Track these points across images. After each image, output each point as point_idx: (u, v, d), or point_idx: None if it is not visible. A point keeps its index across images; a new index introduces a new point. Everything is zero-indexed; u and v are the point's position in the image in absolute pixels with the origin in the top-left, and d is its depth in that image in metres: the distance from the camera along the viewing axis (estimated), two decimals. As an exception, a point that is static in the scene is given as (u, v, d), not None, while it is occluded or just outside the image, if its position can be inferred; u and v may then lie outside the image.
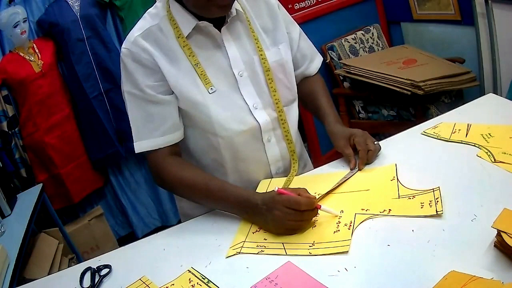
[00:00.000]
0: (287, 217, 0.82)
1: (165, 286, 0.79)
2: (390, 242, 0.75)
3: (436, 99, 2.22)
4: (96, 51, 2.27)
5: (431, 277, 0.64)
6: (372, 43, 2.67)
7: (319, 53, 1.21)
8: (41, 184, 2.09)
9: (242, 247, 0.84)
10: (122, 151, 2.42)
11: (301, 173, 1.10)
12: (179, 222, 1.06)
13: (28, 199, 1.95)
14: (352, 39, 2.60)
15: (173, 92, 0.97)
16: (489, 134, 0.99)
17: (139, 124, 0.99)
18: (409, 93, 2.07)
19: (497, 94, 1.96)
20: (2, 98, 2.17)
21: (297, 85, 1.11)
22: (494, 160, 0.90)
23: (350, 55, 2.57)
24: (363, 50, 2.63)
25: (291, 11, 2.47)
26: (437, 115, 1.18)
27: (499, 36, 2.17)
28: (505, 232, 0.64)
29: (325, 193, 0.93)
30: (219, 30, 0.98)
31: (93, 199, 2.57)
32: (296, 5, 2.54)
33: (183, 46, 0.96)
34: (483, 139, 0.98)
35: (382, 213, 0.83)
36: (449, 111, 1.19)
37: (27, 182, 2.25)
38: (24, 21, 2.09)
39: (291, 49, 1.10)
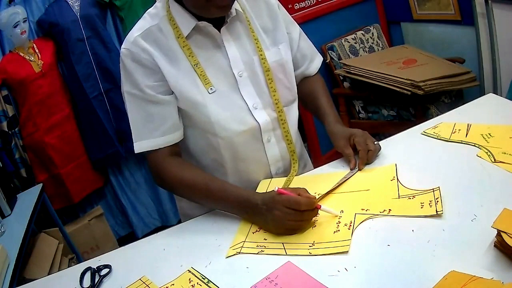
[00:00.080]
0: (287, 217, 0.83)
1: (165, 286, 0.79)
2: (390, 242, 0.75)
3: (436, 99, 2.22)
4: (96, 51, 2.27)
5: (431, 277, 0.64)
6: (372, 43, 2.67)
7: (319, 53, 1.21)
8: (41, 184, 2.09)
9: (242, 247, 0.84)
10: (122, 151, 2.42)
11: (301, 173, 1.10)
12: (179, 222, 1.06)
13: (28, 199, 1.95)
14: (352, 39, 2.60)
15: (172, 92, 0.97)
16: (489, 134, 0.99)
17: (139, 124, 0.99)
18: (409, 93, 2.07)
19: (497, 94, 1.96)
20: (2, 98, 2.17)
21: (297, 85, 1.11)
22: (494, 160, 0.90)
23: (350, 55, 2.57)
24: (363, 50, 2.63)
25: (291, 11, 2.47)
26: (437, 115, 1.18)
27: (499, 36, 2.17)
28: (505, 232, 0.64)
29: (325, 193, 0.93)
30: (219, 30, 0.98)
31: (93, 199, 2.57)
32: (296, 5, 2.54)
33: (183, 46, 0.96)
34: (483, 139, 0.98)
35: (382, 213, 0.83)
36: (449, 111, 1.19)
37: (27, 182, 2.25)
38: (24, 21, 2.09)
39: (291, 49, 1.10)
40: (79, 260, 2.16)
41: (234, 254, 0.83)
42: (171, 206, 2.62)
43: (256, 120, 1.01)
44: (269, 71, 1.02)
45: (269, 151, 1.05)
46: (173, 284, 0.79)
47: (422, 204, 0.82)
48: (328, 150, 2.56)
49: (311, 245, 0.80)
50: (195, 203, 1.02)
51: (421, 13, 2.58)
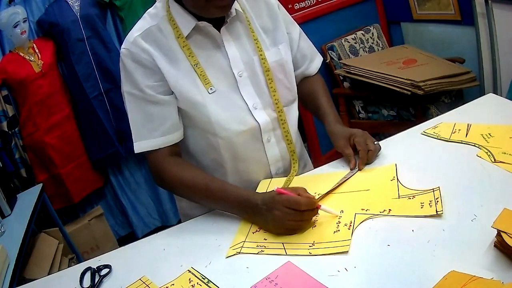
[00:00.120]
0: (287, 217, 0.82)
1: (165, 286, 0.79)
2: (390, 242, 0.75)
3: (436, 99, 2.22)
4: (96, 51, 2.27)
5: (431, 277, 0.64)
6: (372, 43, 2.67)
7: (319, 53, 1.21)
8: (41, 184, 2.09)
9: (242, 247, 0.84)
10: (122, 151, 2.42)
11: (301, 173, 1.10)
12: (179, 222, 1.06)
13: (28, 199, 1.95)
14: (352, 39, 2.60)
15: (172, 92, 0.97)
16: (489, 134, 0.99)
17: (139, 124, 0.99)
18: (409, 93, 2.07)
19: (497, 94, 1.96)
20: (2, 98, 2.17)
21: (297, 85, 1.11)
22: (494, 160, 0.90)
23: (350, 55, 2.57)
24: (363, 50, 2.63)
25: (291, 11, 2.47)
26: (437, 115, 1.18)
27: (499, 36, 2.17)
28: (505, 232, 0.64)
29: (325, 193, 0.93)
30: (219, 30, 0.98)
31: (93, 199, 2.57)
32: (296, 5, 2.54)
33: (183, 46, 0.96)
34: (483, 139, 0.98)
35: (382, 213, 0.83)
36: (449, 111, 1.19)
37: (27, 182, 2.25)
38: (24, 21, 2.09)
39: (291, 49, 1.10)
40: (79, 260, 2.16)
41: (234, 254, 0.83)
42: (171, 206, 2.62)
43: (256, 120, 1.01)
44: (269, 71, 1.02)
45: (269, 151, 1.05)
46: (173, 284, 0.79)
47: (422, 204, 0.82)
48: (328, 150, 2.56)
49: (311, 245, 0.80)
50: (195, 203, 1.02)
51: (421, 13, 2.58)
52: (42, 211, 2.03)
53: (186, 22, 0.96)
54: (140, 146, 0.99)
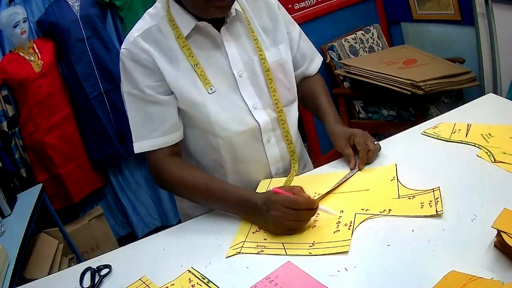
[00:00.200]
0: (286, 216, 0.82)
1: (165, 286, 0.79)
2: (390, 242, 0.75)
3: (436, 99, 2.22)
4: (96, 51, 2.27)
5: (431, 277, 0.64)
6: (372, 43, 2.67)
7: (319, 53, 1.21)
8: (41, 184, 2.09)
9: (242, 247, 0.84)
10: (122, 151, 2.42)
11: (301, 173, 1.10)
12: (179, 222, 1.06)
13: (28, 199, 1.95)
14: (352, 39, 2.60)
15: (172, 93, 0.97)
16: (489, 134, 0.99)
17: (139, 124, 0.99)
18: (409, 93, 2.07)
19: (497, 94, 1.96)
20: (2, 98, 2.17)
21: (297, 85, 1.11)
22: (494, 160, 0.90)
23: (350, 55, 2.57)
24: (363, 50, 2.63)
25: (291, 11, 2.47)
26: (437, 115, 1.18)
27: (499, 36, 2.17)
28: (505, 232, 0.64)
29: (325, 193, 0.93)
30: (219, 31, 0.98)
31: (93, 199, 2.57)
32: (296, 5, 2.54)
33: (183, 47, 0.96)
34: (483, 139, 0.98)
35: (382, 213, 0.83)
36: (449, 111, 1.19)
37: (27, 182, 2.25)
38: (24, 21, 2.09)
39: (291, 49, 1.10)
40: (79, 260, 2.16)
41: (234, 254, 0.83)
42: (171, 206, 2.62)
43: (256, 120, 1.01)
44: (269, 71, 1.02)
45: (269, 151, 1.05)
46: (173, 284, 0.79)
47: (422, 204, 0.82)
48: (328, 150, 2.56)
49: (311, 245, 0.80)
50: (195, 203, 1.02)
51: (421, 13, 2.58)
52: (42, 211, 2.03)
53: (186, 22, 0.96)
54: (140, 146, 0.99)
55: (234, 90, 1.00)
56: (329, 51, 2.52)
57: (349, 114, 2.54)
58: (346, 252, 0.76)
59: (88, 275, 0.88)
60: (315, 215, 0.85)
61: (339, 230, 0.81)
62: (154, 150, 0.99)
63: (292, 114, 1.09)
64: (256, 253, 0.82)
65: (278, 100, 1.04)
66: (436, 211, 0.78)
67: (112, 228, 2.58)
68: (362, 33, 2.64)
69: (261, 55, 1.02)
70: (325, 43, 2.53)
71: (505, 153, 0.91)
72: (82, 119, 2.37)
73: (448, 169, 0.92)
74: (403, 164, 0.97)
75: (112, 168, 2.55)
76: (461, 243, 0.71)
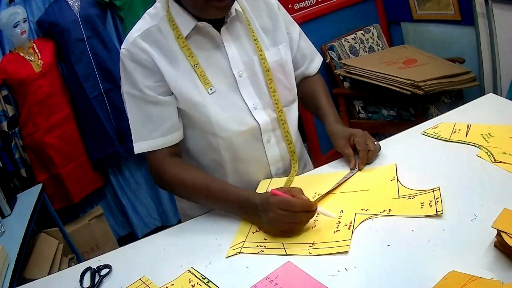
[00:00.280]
0: (282, 219, 0.82)
1: (165, 286, 0.79)
2: (390, 242, 0.75)
3: (436, 99, 2.22)
4: (96, 51, 2.27)
5: (431, 277, 0.64)
6: (372, 43, 2.67)
7: (319, 53, 1.21)
8: (41, 184, 2.09)
9: (242, 247, 0.84)
10: (122, 151, 2.42)
11: (301, 173, 1.10)
12: (179, 222, 1.06)
13: (28, 199, 1.95)
14: (352, 39, 2.60)
15: (172, 93, 0.97)
16: (489, 134, 0.99)
17: (139, 124, 0.99)
18: (409, 93, 2.07)
19: (497, 94, 1.96)
20: (2, 98, 2.17)
21: (297, 85, 1.11)
22: (494, 160, 0.90)
23: (350, 55, 2.57)
24: (363, 50, 2.63)
25: (291, 11, 2.48)
26: (437, 115, 1.18)
27: (499, 36, 2.17)
28: (505, 232, 0.64)
29: (325, 193, 0.93)
30: (219, 31, 0.98)
31: (93, 199, 2.57)
32: (296, 5, 2.54)
33: (183, 47, 0.96)
34: (483, 139, 0.98)
35: (382, 213, 0.83)
36: (449, 111, 1.19)
37: (27, 182, 2.25)
38: (24, 21, 2.09)
39: (291, 49, 1.10)
40: (79, 260, 2.16)
41: (234, 254, 0.83)
42: (171, 206, 2.62)
43: (256, 121, 1.01)
44: (269, 71, 1.02)
45: (269, 151, 1.05)
46: (173, 284, 0.79)
47: (422, 204, 0.82)
48: (328, 150, 2.56)
49: (311, 245, 0.80)
50: (195, 203, 1.02)
51: (421, 13, 2.58)
52: (42, 211, 2.03)
53: (186, 23, 0.96)
54: (140, 146, 0.99)
55: (234, 90, 1.00)
56: (329, 51, 2.52)
57: (349, 114, 2.55)
58: (346, 252, 0.76)
59: (88, 275, 0.88)
60: (315, 215, 0.85)
61: (339, 230, 0.81)
62: (154, 150, 0.99)
63: (292, 114, 1.09)
64: (256, 253, 0.82)
65: (278, 100, 1.04)
66: (436, 211, 0.78)
67: (112, 228, 2.58)
68: (362, 33, 2.65)
69: (261, 55, 1.02)
70: (325, 43, 2.53)
71: (505, 153, 0.91)
72: (82, 119, 2.37)
73: (448, 169, 0.92)
74: (403, 164, 0.97)
75: (112, 168, 2.55)
76: (461, 243, 0.71)
